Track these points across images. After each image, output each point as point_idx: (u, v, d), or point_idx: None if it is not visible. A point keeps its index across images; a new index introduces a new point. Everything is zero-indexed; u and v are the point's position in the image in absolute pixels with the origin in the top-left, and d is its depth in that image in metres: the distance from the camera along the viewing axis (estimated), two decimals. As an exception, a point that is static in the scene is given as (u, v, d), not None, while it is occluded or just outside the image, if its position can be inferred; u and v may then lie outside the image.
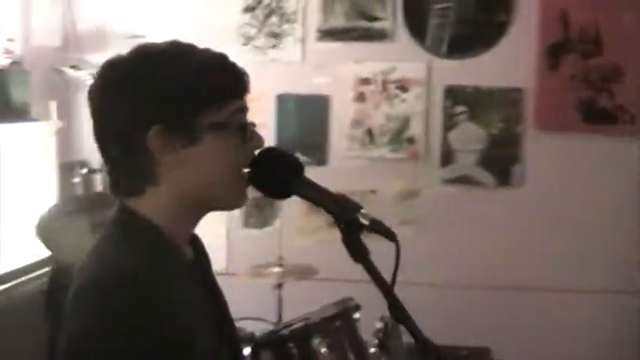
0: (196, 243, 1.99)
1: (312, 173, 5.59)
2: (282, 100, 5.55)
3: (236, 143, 1.79)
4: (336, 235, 4.99)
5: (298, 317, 3.31)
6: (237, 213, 5.60)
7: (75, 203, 4.50)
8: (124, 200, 1.82)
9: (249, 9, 5.57)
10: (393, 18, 5.36)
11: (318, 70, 5.49)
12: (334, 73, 5.47)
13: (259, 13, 5.55)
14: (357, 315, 3.19)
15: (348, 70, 5.44)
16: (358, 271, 5.48)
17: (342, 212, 1.79)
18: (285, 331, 2.98)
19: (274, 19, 5.53)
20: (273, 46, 5.54)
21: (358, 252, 1.77)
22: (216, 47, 5.54)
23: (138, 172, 1.79)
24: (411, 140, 5.38)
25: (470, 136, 5.33)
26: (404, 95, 5.37)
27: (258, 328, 3.84)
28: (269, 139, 5.49)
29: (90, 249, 1.79)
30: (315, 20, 5.48)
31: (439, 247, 5.41)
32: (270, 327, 3.84)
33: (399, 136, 5.39)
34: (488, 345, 5.24)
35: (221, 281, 5.60)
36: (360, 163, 5.48)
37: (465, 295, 5.34)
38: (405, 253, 5.64)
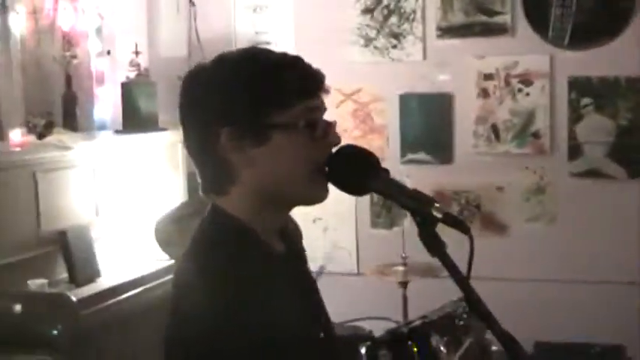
0: (289, 236, 2.02)
1: (437, 172, 5.61)
2: (405, 99, 5.55)
3: (305, 141, 1.83)
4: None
5: (418, 316, 3.31)
6: (365, 214, 5.62)
7: (190, 207, 4.59)
8: (214, 200, 1.90)
9: (368, 10, 5.58)
10: (512, 11, 5.29)
11: (440, 68, 5.47)
12: (456, 70, 5.44)
13: (378, 14, 5.56)
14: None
15: (469, 67, 5.40)
16: (483, 268, 5.44)
17: (417, 207, 1.79)
18: (403, 330, 2.97)
19: (393, 19, 5.53)
20: (394, 46, 5.54)
21: (434, 246, 1.76)
22: (338, 49, 5.61)
23: (216, 173, 1.86)
24: (536, 135, 5.30)
25: (597, 128, 5.21)
26: (527, 89, 5.29)
27: (381, 328, 3.85)
28: (393, 139, 5.52)
29: (187, 248, 1.87)
30: (434, 18, 5.45)
31: (569, 242, 5.30)
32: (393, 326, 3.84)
33: (525, 131, 5.32)
34: (623, 342, 5.13)
35: (350, 281, 5.66)
36: (485, 159, 5.43)
37: (597, 290, 5.21)
38: (535, 250, 5.60)
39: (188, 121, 1.89)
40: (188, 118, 1.89)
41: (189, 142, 1.89)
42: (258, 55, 1.90)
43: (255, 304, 1.71)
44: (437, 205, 1.77)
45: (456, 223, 1.76)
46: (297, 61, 1.88)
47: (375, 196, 5.25)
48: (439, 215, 1.76)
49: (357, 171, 1.86)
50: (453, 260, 1.76)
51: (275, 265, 1.88)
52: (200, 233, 1.88)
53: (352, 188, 1.88)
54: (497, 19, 5.32)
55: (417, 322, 3.02)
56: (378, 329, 4.01)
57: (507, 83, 5.32)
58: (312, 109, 1.85)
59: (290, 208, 1.95)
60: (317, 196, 1.89)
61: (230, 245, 1.83)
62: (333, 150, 1.88)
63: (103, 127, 5.69)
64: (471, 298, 1.76)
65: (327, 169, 1.86)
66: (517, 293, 5.24)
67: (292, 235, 2.06)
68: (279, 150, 1.82)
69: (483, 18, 5.34)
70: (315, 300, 2.05)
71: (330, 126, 1.88)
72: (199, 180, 1.92)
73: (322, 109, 1.89)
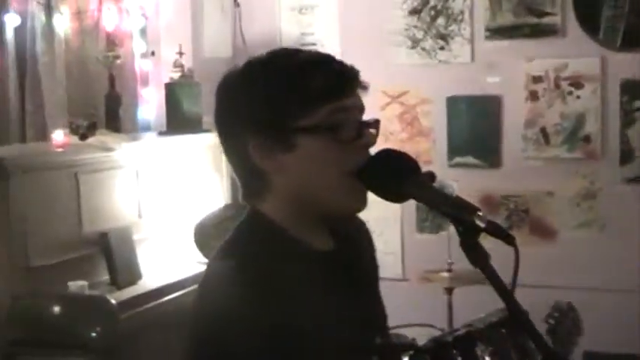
0: (345, 236, 1.95)
1: (485, 176, 5.52)
2: (453, 102, 5.46)
3: (333, 145, 1.76)
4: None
5: (463, 324, 3.23)
6: (411, 218, 5.54)
7: (231, 210, 4.55)
8: (253, 204, 1.87)
9: (415, 11, 5.50)
10: (563, 12, 5.17)
11: (488, 70, 5.37)
12: (504, 72, 5.34)
13: (425, 14, 5.48)
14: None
15: (518, 69, 5.30)
16: (531, 275, 5.32)
17: (459, 215, 1.70)
18: (447, 338, 2.90)
19: (441, 20, 5.44)
20: (441, 48, 5.45)
21: (476, 256, 1.67)
22: (384, 51, 5.55)
23: (251, 180, 1.84)
24: (587, 139, 5.18)
25: (650, 132, 5.10)
26: (578, 92, 5.17)
27: (425, 335, 3.78)
28: (440, 142, 5.44)
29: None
30: (482, 19, 5.36)
31: (620, 249, 5.17)
32: (439, 333, 3.77)
33: (575, 135, 5.20)
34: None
35: (395, 287, 5.59)
36: (535, 164, 5.33)
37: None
38: (584, 257, 5.48)
39: (220, 129, 1.87)
40: (220, 126, 1.87)
41: (225, 150, 1.88)
42: (282, 59, 1.85)
43: (275, 303, 1.68)
44: (480, 213, 1.68)
45: (501, 233, 1.67)
46: (323, 60, 1.83)
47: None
48: (482, 224, 1.67)
49: (394, 176, 1.77)
50: (496, 271, 1.67)
51: (311, 264, 1.82)
52: (232, 234, 1.86)
53: (389, 194, 1.79)
54: (547, 20, 5.20)
55: (462, 331, 2.95)
56: (422, 337, 3.95)
57: (557, 86, 5.21)
58: (339, 110, 1.78)
59: (331, 215, 1.88)
60: (352, 205, 1.84)
61: (255, 244, 1.80)
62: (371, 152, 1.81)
63: (147, 128, 5.68)
64: (514, 312, 1.68)
65: (361, 173, 1.79)
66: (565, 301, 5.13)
67: (353, 236, 2.00)
68: (308, 155, 1.77)
69: (533, 19, 5.23)
70: (363, 301, 1.98)
71: (367, 127, 1.81)
72: (239, 186, 1.89)
73: (356, 108, 1.82)
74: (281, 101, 1.77)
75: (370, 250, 2.10)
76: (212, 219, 4.36)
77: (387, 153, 1.81)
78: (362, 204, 1.82)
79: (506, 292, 1.67)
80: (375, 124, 1.83)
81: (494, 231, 1.67)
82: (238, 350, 1.65)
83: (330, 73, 1.80)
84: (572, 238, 5.28)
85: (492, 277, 1.67)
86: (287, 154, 1.77)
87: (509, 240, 1.67)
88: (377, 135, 1.84)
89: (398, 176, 1.77)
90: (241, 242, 1.83)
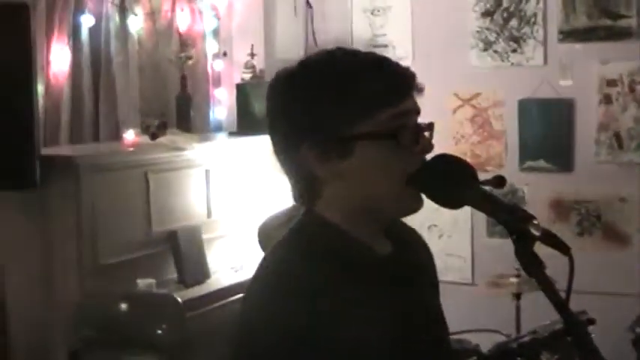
0: (401, 240, 1.92)
1: (557, 180, 5.43)
2: (525, 105, 5.39)
3: (392, 151, 1.74)
4: (582, 245, 4.80)
5: (528, 331, 3.20)
6: (481, 222, 5.49)
7: (296, 211, 4.53)
8: (308, 205, 1.84)
9: (488, 13, 5.45)
10: (638, 15, 5.08)
11: (562, 73, 5.30)
12: (578, 75, 5.26)
13: (498, 16, 5.43)
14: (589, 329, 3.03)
15: (592, 72, 5.22)
16: (603, 282, 5.24)
17: (514, 223, 1.67)
18: (512, 345, 2.87)
19: (514, 22, 5.38)
20: (514, 50, 5.40)
21: (531, 264, 1.64)
22: (456, 53, 5.51)
23: (303, 184, 1.81)
24: (661, 144, 5.10)
25: None
26: (653, 96, 5.10)
27: (490, 341, 3.75)
28: (512, 145, 5.38)
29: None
30: (556, 21, 5.28)
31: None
32: (504, 340, 3.73)
33: (649, 140, 5.13)
34: None
35: (464, 291, 5.54)
36: (608, 168, 5.24)
37: None
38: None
39: (272, 131, 1.83)
40: (271, 128, 1.83)
41: (276, 152, 1.84)
42: (338, 61, 1.80)
43: (315, 307, 1.67)
44: (535, 222, 1.65)
45: (556, 243, 1.64)
46: (381, 63, 1.79)
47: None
48: (537, 233, 1.64)
49: (453, 182, 1.75)
50: (551, 280, 1.64)
51: (377, 266, 1.81)
52: (291, 234, 1.84)
53: (445, 200, 1.77)
54: (622, 22, 5.11)
55: (527, 338, 2.93)
56: (488, 342, 3.92)
57: (632, 89, 5.12)
58: (398, 115, 1.75)
59: (386, 217, 1.86)
60: (409, 209, 1.81)
61: (317, 244, 1.78)
62: (427, 157, 1.79)
63: (219, 128, 5.72)
64: (568, 323, 1.65)
65: (417, 177, 1.77)
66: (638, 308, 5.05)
67: (408, 239, 1.98)
68: (366, 162, 1.74)
69: (607, 21, 5.14)
70: (428, 300, 1.96)
71: (422, 131, 1.78)
72: (291, 189, 1.86)
73: (413, 112, 1.78)
74: (338, 105, 1.74)
75: (431, 263, 2.06)
76: (275, 219, 4.36)
77: (444, 158, 1.79)
78: (418, 205, 1.80)
79: (560, 302, 1.63)
80: (429, 127, 1.80)
81: (549, 240, 1.65)
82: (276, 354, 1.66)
83: (388, 77, 1.77)
84: (646, 245, 5.19)
85: (546, 287, 1.63)
86: (344, 161, 1.74)
87: (564, 249, 1.64)
88: (432, 138, 1.81)
89: (454, 182, 1.75)
90: (303, 242, 1.80)
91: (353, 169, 1.75)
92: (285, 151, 1.80)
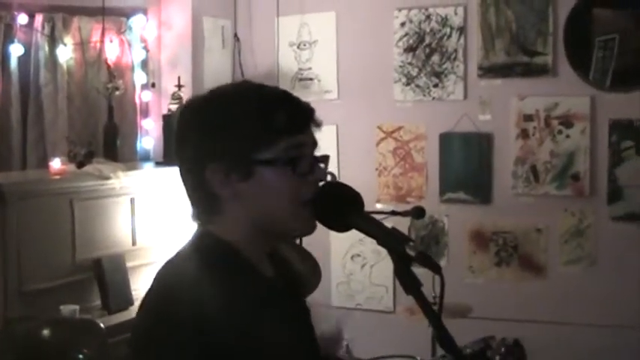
0: (279, 263, 2.05)
1: (476, 211, 5.55)
2: (446, 138, 5.54)
3: (289, 177, 1.85)
4: (501, 274, 4.95)
5: (439, 355, 3.29)
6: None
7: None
8: (203, 224, 1.93)
9: (411, 49, 5.60)
10: (554, 52, 5.26)
11: (481, 108, 5.46)
12: (496, 110, 5.43)
13: (421, 52, 5.58)
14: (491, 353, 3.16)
15: (510, 107, 5.39)
16: (520, 310, 5.34)
17: (392, 244, 1.80)
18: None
19: (435, 57, 5.54)
20: (435, 85, 5.55)
21: (409, 283, 1.78)
22: (380, 87, 5.62)
23: (203, 203, 1.90)
24: (576, 177, 5.26)
25: (638, 172, 5.15)
26: (568, 131, 5.25)
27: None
28: (433, 177, 5.51)
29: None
30: (475, 57, 5.46)
31: (609, 286, 5.22)
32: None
33: (564, 173, 5.28)
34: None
35: (385, 319, 5.60)
36: (524, 200, 5.40)
37: (638, 337, 5.13)
38: (574, 294, 5.51)
39: (178, 154, 1.93)
40: (177, 151, 1.93)
41: (180, 172, 1.93)
42: (245, 92, 1.93)
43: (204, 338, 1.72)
44: (412, 243, 1.78)
45: (429, 263, 1.77)
46: (283, 97, 1.91)
47: (413, 234, 5.22)
48: (412, 253, 1.76)
49: (339, 207, 1.88)
50: (427, 298, 1.77)
51: (258, 286, 1.90)
52: (185, 251, 1.91)
53: (333, 224, 1.90)
54: (539, 59, 5.30)
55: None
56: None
57: (548, 124, 5.30)
58: (296, 145, 1.87)
59: (279, 238, 2.00)
60: (302, 230, 1.93)
61: (213, 261, 1.86)
62: (320, 185, 1.91)
63: (146, 158, 5.75)
64: (442, 335, 1.77)
65: (311, 203, 1.88)
66: (554, 336, 5.19)
67: (281, 260, 2.08)
68: (264, 185, 1.85)
69: (525, 58, 5.32)
70: (305, 328, 2.07)
71: (318, 162, 1.90)
72: (190, 208, 1.94)
73: (311, 144, 1.91)
74: (243, 133, 1.84)
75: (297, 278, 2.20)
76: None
77: (333, 186, 1.93)
78: (311, 229, 1.92)
79: (435, 318, 1.78)
80: (324, 159, 1.93)
81: (423, 260, 1.77)
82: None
83: (291, 110, 1.89)
84: (561, 275, 5.33)
85: (423, 304, 1.77)
86: (245, 183, 1.84)
87: (436, 269, 1.77)
88: (326, 169, 1.94)
89: (342, 208, 1.88)
90: (198, 259, 1.87)
91: (251, 191, 1.85)
92: (191, 172, 1.89)
